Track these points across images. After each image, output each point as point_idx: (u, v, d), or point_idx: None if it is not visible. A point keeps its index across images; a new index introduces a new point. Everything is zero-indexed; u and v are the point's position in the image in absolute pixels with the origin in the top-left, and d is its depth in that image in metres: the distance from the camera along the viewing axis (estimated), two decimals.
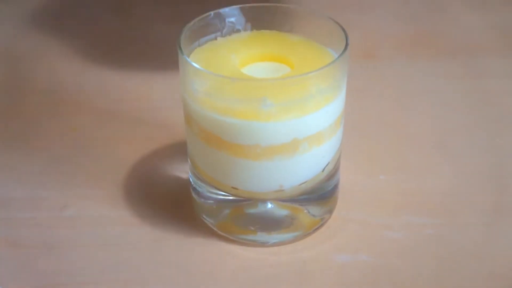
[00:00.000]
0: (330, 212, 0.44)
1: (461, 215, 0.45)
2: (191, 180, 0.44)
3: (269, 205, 0.42)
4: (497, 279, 0.40)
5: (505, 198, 0.46)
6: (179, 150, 0.48)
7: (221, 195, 0.42)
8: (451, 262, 0.42)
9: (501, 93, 0.56)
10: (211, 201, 0.43)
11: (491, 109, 0.54)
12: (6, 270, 0.41)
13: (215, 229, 0.43)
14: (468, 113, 0.54)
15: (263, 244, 0.43)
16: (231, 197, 0.42)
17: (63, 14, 0.67)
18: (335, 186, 0.44)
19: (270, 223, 0.43)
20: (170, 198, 0.46)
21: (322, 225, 0.44)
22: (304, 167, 0.41)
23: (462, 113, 0.54)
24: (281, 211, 0.43)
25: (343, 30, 0.41)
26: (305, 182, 0.41)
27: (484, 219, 0.44)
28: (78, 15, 0.67)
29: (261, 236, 0.43)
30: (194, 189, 0.44)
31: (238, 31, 0.43)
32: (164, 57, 0.59)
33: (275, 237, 0.43)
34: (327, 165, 0.42)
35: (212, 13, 0.43)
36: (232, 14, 0.43)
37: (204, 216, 0.44)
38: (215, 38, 0.43)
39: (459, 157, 0.49)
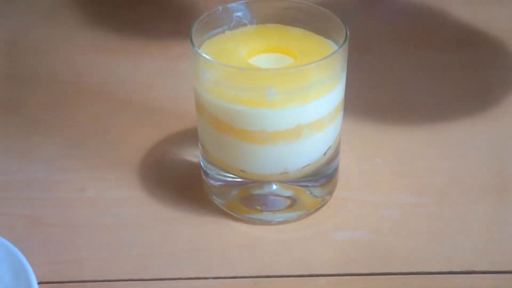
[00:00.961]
0: (331, 193, 0.46)
1: (451, 194, 0.46)
2: (201, 163, 0.46)
3: (274, 187, 0.44)
4: (485, 254, 0.42)
5: (492, 179, 0.47)
6: (190, 136, 0.50)
7: (230, 177, 0.44)
8: (442, 239, 0.43)
9: (493, 83, 0.57)
10: (220, 183, 0.44)
11: (482, 97, 0.55)
12: (30, 245, 0.43)
13: (224, 208, 0.45)
14: (459, 101, 0.55)
15: (268, 223, 0.44)
16: (239, 179, 0.44)
17: (76, 8, 0.68)
18: (336, 169, 0.45)
19: (275, 203, 0.44)
20: (182, 180, 0.47)
21: (323, 205, 0.45)
22: (306, 151, 0.42)
23: (454, 101, 0.55)
24: (285, 192, 0.44)
25: (343, 23, 0.42)
26: (308, 165, 0.43)
27: (473, 198, 0.46)
28: (91, 9, 0.67)
29: (266, 215, 0.44)
30: (205, 172, 0.45)
31: (244, 25, 0.44)
32: (175, 49, 0.60)
33: (279, 216, 0.44)
34: (328, 149, 0.43)
35: (220, 8, 0.44)
36: (239, 9, 0.44)
37: (213, 197, 0.45)
38: (223, 32, 0.44)
39: (450, 141, 0.51)
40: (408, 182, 0.47)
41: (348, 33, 0.41)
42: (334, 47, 0.43)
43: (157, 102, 0.55)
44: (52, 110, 0.55)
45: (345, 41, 0.41)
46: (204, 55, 0.40)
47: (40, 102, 0.56)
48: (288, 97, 0.40)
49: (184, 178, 0.48)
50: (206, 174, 0.46)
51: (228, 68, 0.40)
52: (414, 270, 0.41)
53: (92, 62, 0.60)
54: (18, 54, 0.62)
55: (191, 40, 0.41)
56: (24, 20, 0.66)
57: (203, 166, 0.46)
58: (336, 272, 0.41)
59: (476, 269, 0.41)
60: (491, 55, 0.60)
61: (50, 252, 0.43)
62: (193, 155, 0.49)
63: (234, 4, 0.44)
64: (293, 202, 0.44)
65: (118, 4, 0.68)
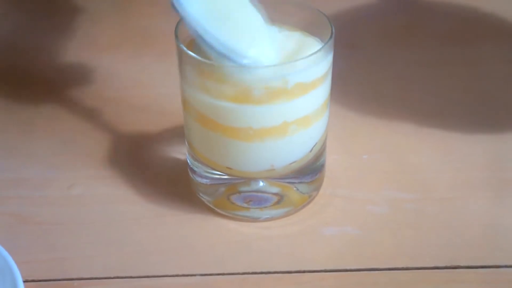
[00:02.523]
0: (318, 189, 0.46)
1: (438, 190, 0.46)
2: (188, 161, 0.46)
3: (261, 184, 0.44)
4: (470, 249, 0.42)
5: (479, 175, 0.48)
6: (177, 133, 0.50)
7: (217, 175, 0.44)
8: (428, 234, 0.43)
9: (480, 79, 0.57)
10: (207, 180, 0.45)
11: (469, 93, 0.55)
12: (18, 244, 0.43)
13: (211, 206, 0.45)
14: (446, 97, 0.55)
15: (256, 220, 0.44)
16: (225, 176, 0.44)
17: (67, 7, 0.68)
18: (322, 165, 0.45)
19: (262, 200, 0.44)
20: (170, 178, 0.47)
21: (310, 201, 0.45)
22: (293, 148, 0.42)
23: (441, 98, 0.55)
24: (272, 189, 0.44)
25: (329, 20, 0.42)
26: (294, 162, 0.43)
27: (459, 194, 0.46)
28: (82, 10, 0.67)
29: (254, 212, 0.44)
30: (192, 169, 0.46)
31: None
32: (163, 46, 0.60)
33: (266, 213, 0.44)
34: (314, 146, 0.43)
35: None
36: None
37: (201, 194, 0.45)
38: None
39: (436, 137, 0.51)
40: (395, 178, 0.48)
41: (333, 30, 0.41)
42: (321, 44, 0.43)
43: (144, 100, 0.55)
44: (40, 108, 0.54)
45: (330, 37, 0.41)
46: (190, 52, 0.40)
47: (28, 100, 0.55)
48: (274, 93, 0.40)
49: (172, 175, 0.48)
50: (193, 172, 0.46)
51: (214, 65, 0.40)
52: (401, 266, 0.42)
53: (81, 59, 0.60)
54: (9, 51, 0.62)
55: (176, 36, 0.41)
56: (20, 19, 0.66)
57: (190, 164, 0.46)
58: (323, 268, 0.42)
59: (461, 264, 0.41)
60: (480, 51, 0.61)
61: (36, 250, 0.43)
62: (180, 153, 0.49)
63: None
64: (280, 199, 0.44)
65: (107, 2, 0.68)
